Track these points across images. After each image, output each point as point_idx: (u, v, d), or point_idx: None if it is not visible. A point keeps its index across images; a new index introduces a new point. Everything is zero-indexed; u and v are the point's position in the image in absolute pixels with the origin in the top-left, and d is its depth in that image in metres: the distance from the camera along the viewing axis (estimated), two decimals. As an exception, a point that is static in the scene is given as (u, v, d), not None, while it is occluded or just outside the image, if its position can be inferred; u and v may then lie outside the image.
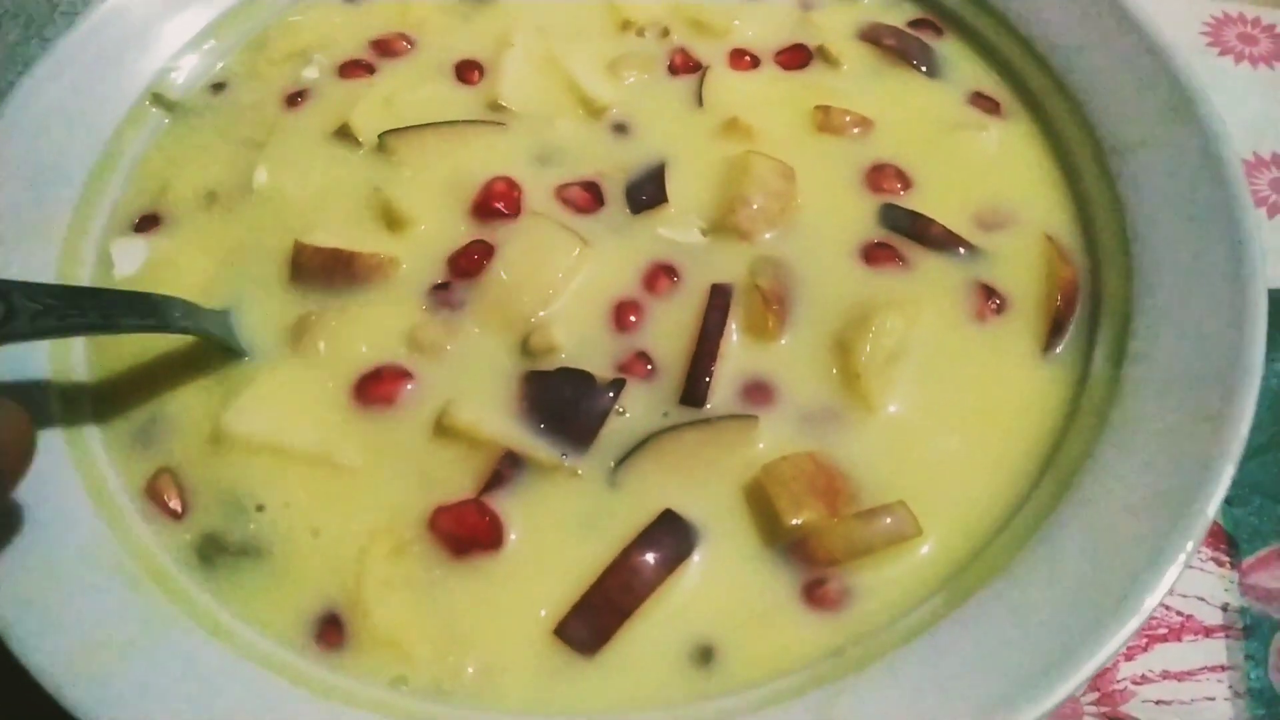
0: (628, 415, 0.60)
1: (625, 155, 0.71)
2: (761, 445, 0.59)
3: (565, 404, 0.59)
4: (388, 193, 0.70)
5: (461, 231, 0.68)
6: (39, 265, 0.67)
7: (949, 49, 0.78)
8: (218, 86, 0.80)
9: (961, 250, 0.66)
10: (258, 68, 0.81)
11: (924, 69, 0.76)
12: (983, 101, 0.75)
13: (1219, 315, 0.57)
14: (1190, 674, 0.62)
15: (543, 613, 0.54)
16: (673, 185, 0.69)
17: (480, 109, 0.75)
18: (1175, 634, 0.63)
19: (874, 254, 0.66)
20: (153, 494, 0.60)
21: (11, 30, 0.97)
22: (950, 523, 0.56)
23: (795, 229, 0.67)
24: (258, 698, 0.52)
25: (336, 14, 0.83)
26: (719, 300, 0.63)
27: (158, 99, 0.78)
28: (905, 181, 0.70)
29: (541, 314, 0.63)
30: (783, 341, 0.62)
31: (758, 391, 0.60)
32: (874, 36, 0.78)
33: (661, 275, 0.65)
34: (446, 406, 0.60)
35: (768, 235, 0.67)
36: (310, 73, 0.79)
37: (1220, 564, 0.66)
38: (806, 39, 0.79)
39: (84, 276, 0.69)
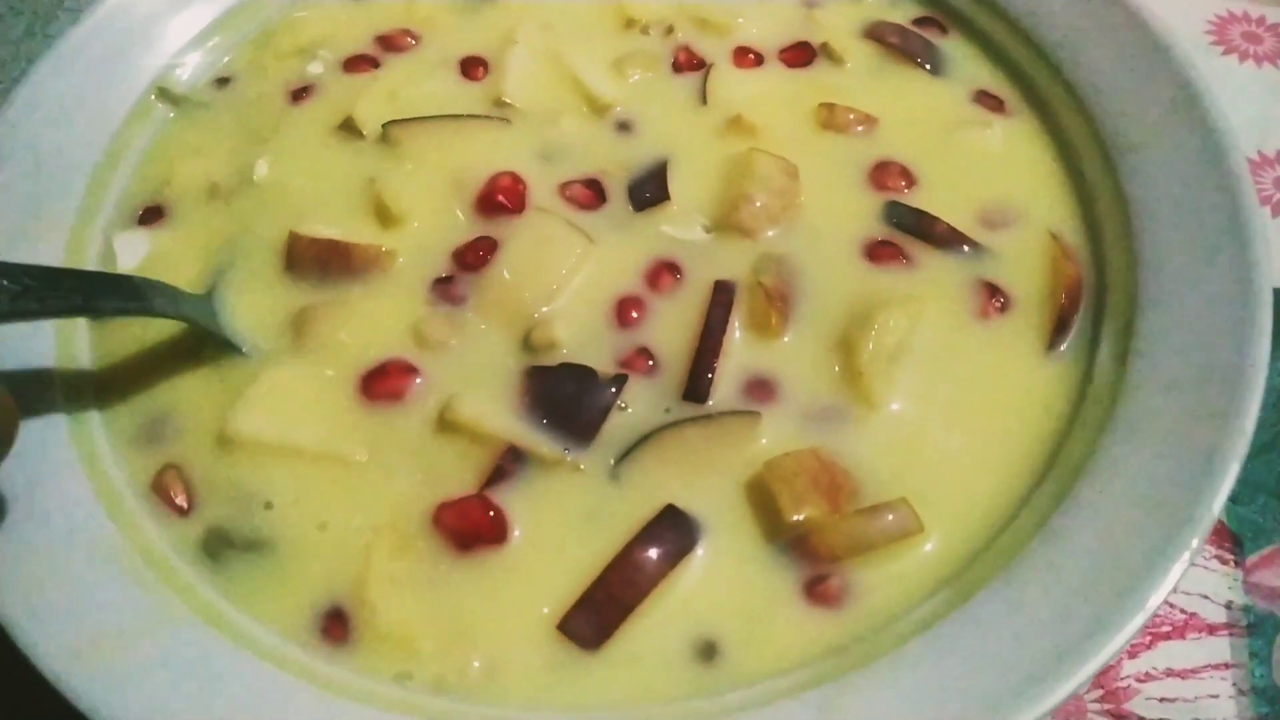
0: (630, 411, 0.60)
1: (628, 153, 0.71)
2: (764, 441, 0.59)
3: (567, 399, 0.59)
4: (385, 184, 0.69)
5: (463, 225, 0.68)
6: (45, 258, 0.67)
7: (953, 47, 0.78)
8: (222, 81, 0.80)
9: (965, 248, 0.66)
10: (263, 63, 0.81)
11: (928, 67, 0.76)
12: (987, 99, 0.75)
13: (1224, 313, 0.57)
14: (1194, 671, 0.61)
15: (546, 609, 0.54)
16: (676, 183, 0.69)
17: (484, 105, 0.75)
18: (1179, 631, 0.63)
19: (877, 252, 0.66)
20: (159, 490, 0.60)
21: (16, 26, 0.97)
22: (953, 520, 0.56)
23: (798, 226, 0.67)
24: (262, 692, 0.52)
25: (341, 10, 0.84)
26: (722, 297, 0.63)
27: (163, 93, 0.78)
28: (909, 179, 0.70)
29: (544, 310, 0.63)
30: (786, 339, 0.62)
31: (760, 388, 0.60)
32: (878, 34, 0.78)
33: (664, 272, 0.65)
34: (449, 401, 0.60)
35: (771, 233, 0.67)
36: (315, 68, 0.79)
37: (1224, 562, 0.66)
38: (810, 37, 0.78)
39: (89, 268, 0.69)
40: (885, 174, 0.70)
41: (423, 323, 0.63)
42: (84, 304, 0.55)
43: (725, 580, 0.55)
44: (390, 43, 0.81)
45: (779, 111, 0.73)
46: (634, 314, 0.63)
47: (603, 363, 0.61)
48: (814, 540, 0.55)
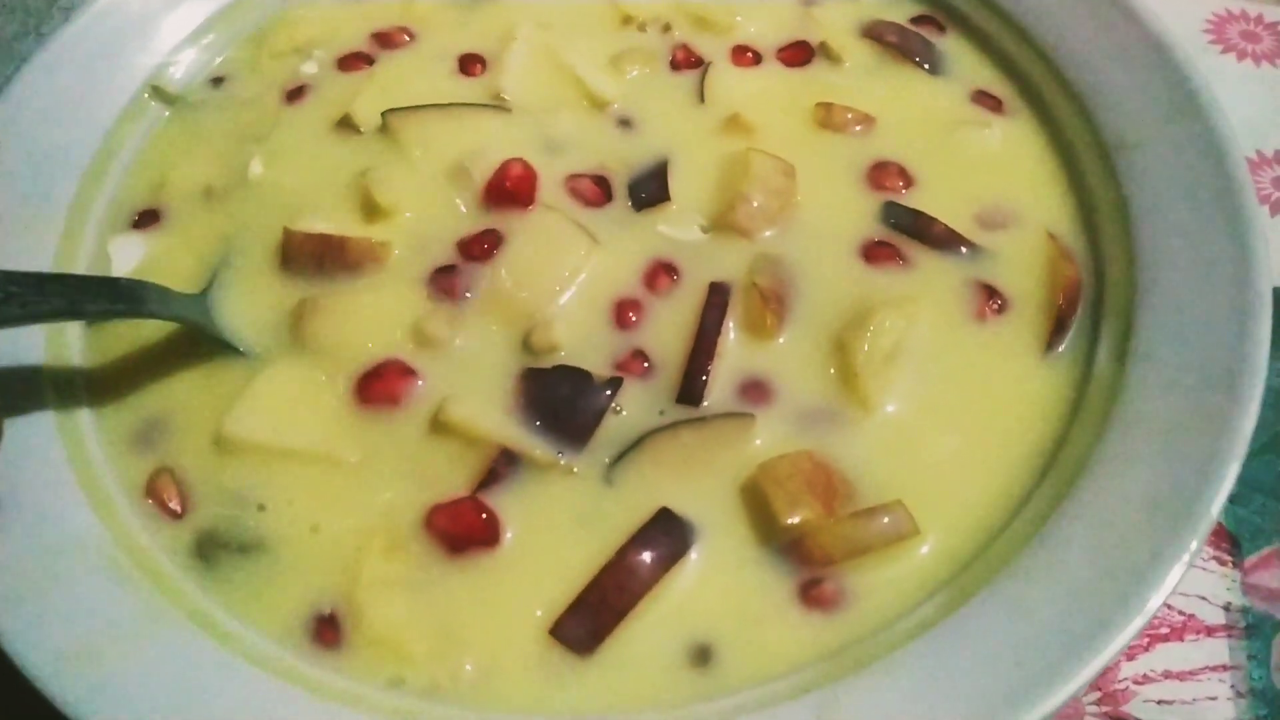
0: (624, 413, 0.59)
1: (629, 149, 0.71)
2: (758, 443, 0.58)
3: (562, 402, 0.59)
4: (374, 176, 0.69)
5: (463, 216, 0.67)
6: (36, 258, 0.67)
7: (951, 46, 0.78)
8: (217, 81, 0.80)
9: (963, 249, 0.65)
10: (258, 62, 0.81)
11: (926, 66, 0.76)
12: (985, 99, 0.74)
13: (1223, 313, 0.56)
14: (1192, 674, 0.61)
15: (539, 612, 0.54)
16: (674, 182, 0.68)
17: (484, 101, 0.74)
18: (1177, 633, 0.63)
19: (874, 252, 0.65)
20: (152, 493, 0.60)
21: (9, 24, 0.97)
22: (950, 523, 0.56)
23: (796, 227, 0.67)
24: (253, 697, 0.51)
25: (337, 8, 0.83)
26: (717, 299, 0.63)
27: (157, 92, 0.78)
28: (907, 179, 0.69)
29: (545, 311, 0.63)
30: (781, 340, 0.62)
31: (755, 390, 0.60)
32: (876, 33, 0.78)
33: (662, 273, 0.65)
34: (443, 403, 0.60)
35: (768, 233, 0.66)
36: (309, 67, 0.79)
37: (1222, 563, 0.65)
38: (808, 35, 0.78)
39: (81, 271, 0.69)
40: (883, 174, 0.69)
41: (423, 320, 0.62)
42: (70, 308, 0.55)
43: (720, 584, 0.55)
44: (387, 40, 0.80)
45: (777, 110, 0.73)
46: (632, 316, 0.63)
47: (598, 365, 0.61)
48: (809, 543, 0.54)
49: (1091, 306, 0.63)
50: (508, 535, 0.57)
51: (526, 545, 0.56)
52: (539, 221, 0.66)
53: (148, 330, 0.65)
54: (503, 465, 0.58)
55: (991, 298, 0.64)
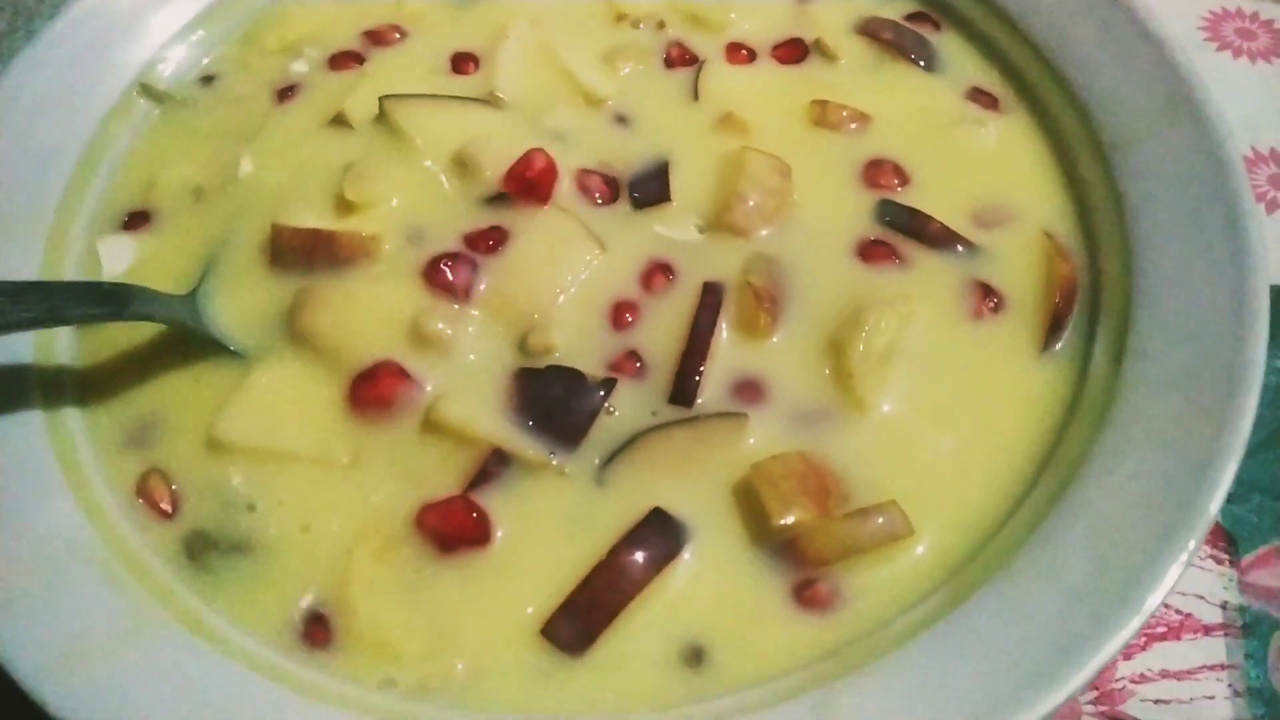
0: (616, 414, 0.59)
1: (626, 147, 0.71)
2: (752, 442, 0.58)
3: (555, 402, 0.59)
4: (360, 169, 0.68)
5: (464, 209, 0.66)
6: (22, 258, 0.67)
7: (947, 43, 0.78)
8: (207, 79, 0.80)
9: (959, 248, 0.65)
10: (248, 60, 0.80)
11: (922, 64, 0.76)
12: (981, 97, 0.74)
13: (1220, 311, 0.56)
14: (1190, 673, 0.61)
15: (530, 612, 0.54)
16: (673, 182, 0.68)
17: (476, 98, 0.74)
18: (1174, 632, 0.63)
19: (870, 251, 0.65)
20: (143, 494, 0.60)
21: (-2, 22, 0.96)
22: (945, 523, 0.56)
23: (791, 226, 0.66)
24: (243, 698, 0.51)
25: (328, 7, 0.83)
26: (710, 299, 0.62)
27: (146, 90, 0.77)
28: (903, 177, 0.69)
29: (544, 311, 0.62)
30: (775, 339, 0.62)
31: (748, 390, 0.60)
32: (871, 31, 0.78)
33: (658, 273, 0.64)
34: (435, 402, 0.59)
35: (764, 232, 0.66)
36: (300, 66, 0.78)
37: (1219, 562, 0.65)
38: (803, 33, 0.78)
39: (69, 273, 0.69)
40: (878, 172, 0.69)
41: (422, 316, 0.61)
42: (51, 315, 0.55)
43: (713, 584, 0.55)
44: (378, 38, 0.80)
45: (771, 108, 0.72)
46: (628, 317, 0.63)
47: (592, 365, 0.61)
48: (802, 544, 0.54)
49: (1088, 305, 0.63)
50: (498, 535, 0.56)
51: (518, 545, 0.56)
52: (550, 223, 0.65)
53: (138, 330, 0.64)
54: (494, 465, 0.58)
55: (988, 296, 0.63)
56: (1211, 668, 0.61)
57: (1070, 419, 0.58)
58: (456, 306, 0.62)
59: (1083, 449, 0.56)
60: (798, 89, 0.74)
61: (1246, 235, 0.58)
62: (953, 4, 0.79)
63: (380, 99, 0.71)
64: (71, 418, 0.62)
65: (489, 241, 0.64)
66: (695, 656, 0.53)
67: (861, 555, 0.54)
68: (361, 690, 0.52)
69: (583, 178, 0.68)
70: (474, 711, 0.52)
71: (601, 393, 0.59)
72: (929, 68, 0.76)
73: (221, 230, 0.68)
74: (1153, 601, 0.48)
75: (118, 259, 0.69)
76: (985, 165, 0.70)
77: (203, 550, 0.57)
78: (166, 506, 0.59)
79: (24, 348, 0.63)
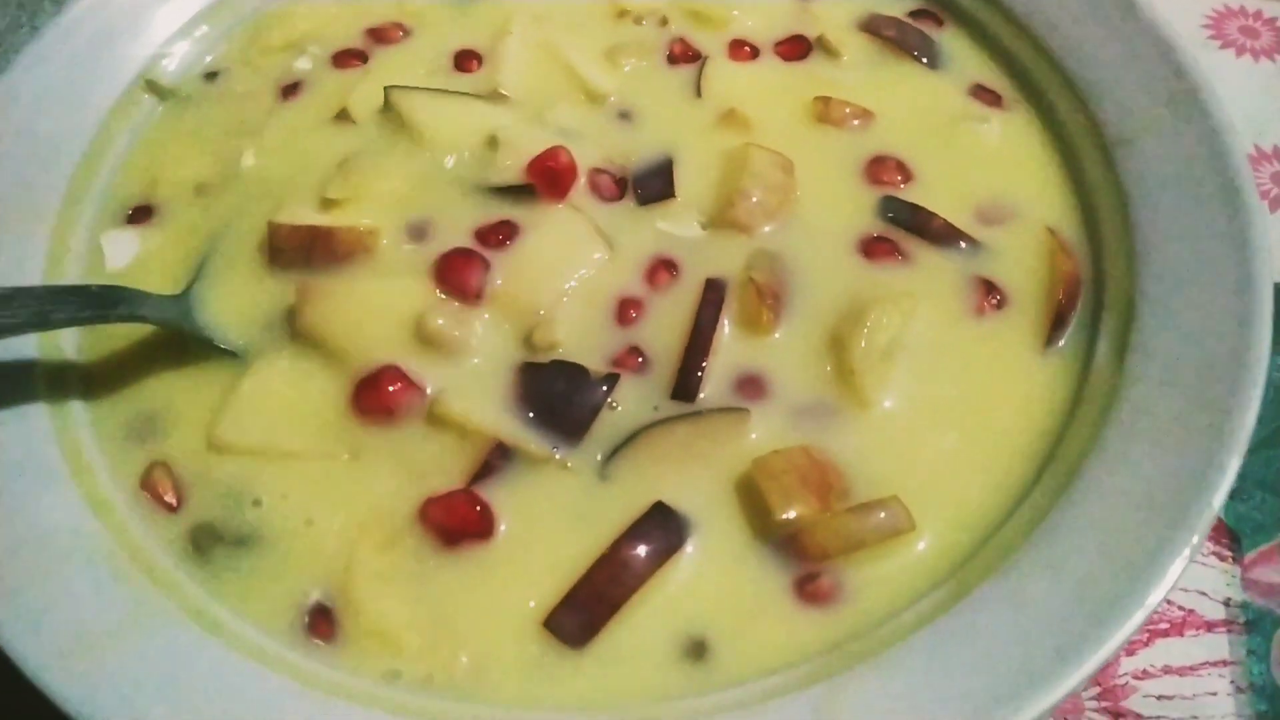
0: (619, 409, 0.59)
1: (629, 144, 0.70)
2: (754, 437, 0.58)
3: (558, 397, 0.59)
4: (357, 163, 0.68)
5: (473, 203, 0.66)
6: (26, 252, 0.67)
7: (950, 40, 0.78)
8: (211, 75, 0.80)
9: (962, 244, 0.65)
10: (251, 57, 0.80)
11: (925, 60, 0.76)
12: (984, 93, 0.74)
13: (1223, 307, 0.56)
14: (1192, 669, 0.61)
15: (532, 604, 0.54)
16: (677, 179, 0.68)
17: (480, 95, 0.74)
18: (1177, 629, 0.63)
19: (873, 248, 0.65)
20: (147, 486, 0.60)
21: (2, 17, 0.96)
22: (947, 518, 0.56)
23: (794, 222, 0.66)
24: (248, 690, 0.51)
25: (331, 4, 0.83)
26: (713, 295, 0.62)
27: (150, 85, 0.78)
28: (906, 174, 0.69)
29: (550, 307, 0.62)
30: (777, 335, 0.62)
31: (751, 385, 0.60)
32: (874, 27, 0.78)
33: (661, 269, 0.64)
34: (438, 396, 0.59)
35: (766, 229, 0.66)
36: (303, 63, 0.78)
37: (1222, 559, 0.65)
38: (806, 30, 0.78)
39: (73, 267, 0.69)
40: (881, 169, 0.69)
41: (428, 315, 0.60)
42: (37, 320, 0.54)
43: (715, 578, 0.55)
44: (381, 36, 0.80)
45: (774, 105, 0.72)
46: (632, 313, 0.63)
47: (595, 360, 0.61)
48: (804, 538, 0.54)
49: (1091, 301, 0.63)
50: (501, 528, 0.56)
51: (520, 538, 0.56)
52: (563, 220, 0.65)
53: (141, 326, 0.64)
54: (497, 459, 0.58)
55: (990, 293, 0.63)
56: (1214, 664, 0.61)
57: (1073, 415, 0.58)
58: (466, 307, 0.62)
59: (1085, 445, 0.56)
60: (800, 86, 0.74)
61: (1250, 232, 0.58)
62: (955, 1, 0.79)
63: (386, 88, 0.71)
64: (76, 411, 0.62)
65: (499, 236, 0.64)
66: (697, 650, 0.53)
67: (863, 550, 0.54)
68: (365, 682, 0.53)
69: (593, 175, 0.68)
70: (477, 703, 0.52)
71: (604, 388, 0.59)
72: (932, 64, 0.76)
73: (222, 227, 0.68)
74: (1155, 597, 0.48)
75: (121, 253, 0.70)
76: (988, 162, 0.70)
77: (208, 543, 0.57)
78: (171, 499, 0.59)
79: (29, 342, 0.63)
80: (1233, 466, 0.51)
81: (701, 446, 0.57)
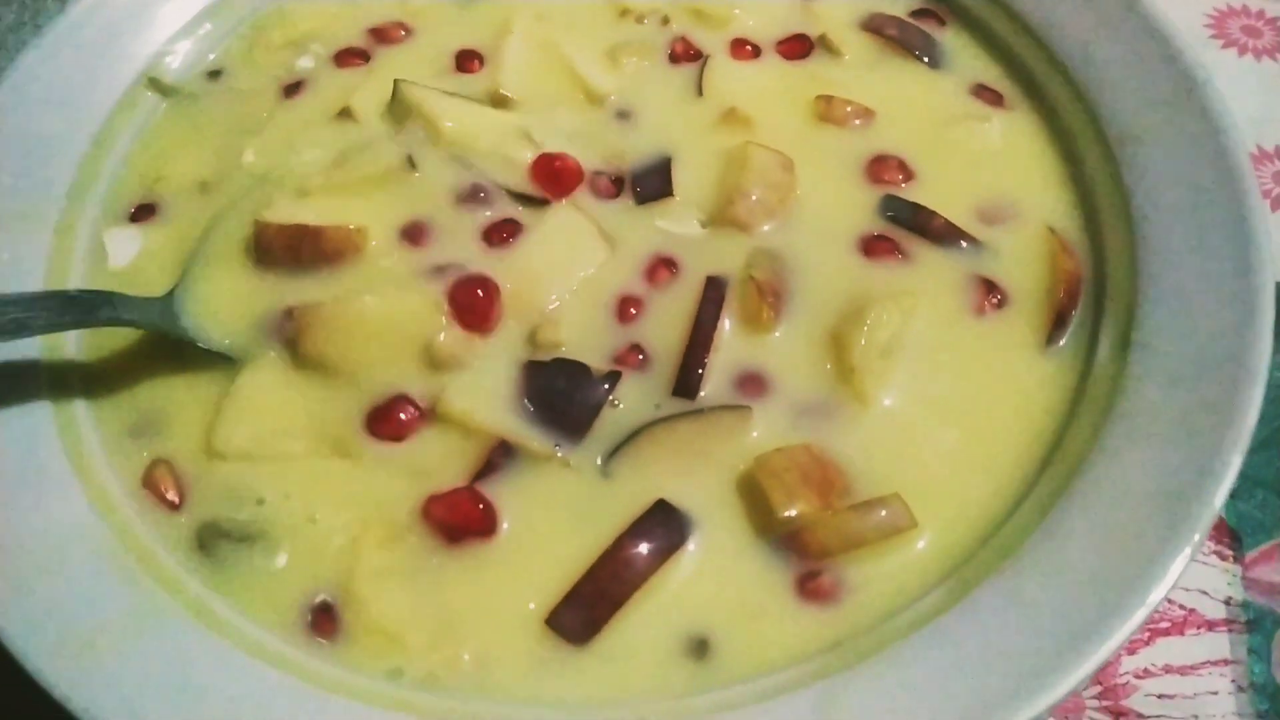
0: (621, 406, 0.59)
1: (627, 143, 0.71)
2: (755, 435, 0.58)
3: (560, 395, 0.59)
4: (358, 156, 0.68)
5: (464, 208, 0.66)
6: (30, 249, 0.67)
7: (951, 39, 0.78)
8: (214, 74, 0.80)
9: (963, 243, 0.65)
10: (254, 55, 0.80)
11: (926, 60, 0.76)
12: (986, 93, 0.74)
13: (1225, 306, 0.56)
14: (1193, 668, 0.61)
15: (534, 603, 0.54)
16: (675, 177, 0.68)
17: (482, 97, 0.74)
18: (1178, 628, 0.63)
19: (873, 247, 0.65)
20: (149, 484, 0.60)
21: (6, 15, 0.97)
22: (948, 516, 0.56)
23: (794, 220, 0.66)
24: (251, 688, 0.51)
25: (333, 4, 0.83)
26: (713, 293, 0.62)
27: (153, 83, 0.78)
28: (907, 173, 0.69)
29: (552, 307, 0.62)
30: (777, 334, 0.62)
31: (751, 383, 0.60)
32: (876, 26, 0.78)
33: (662, 267, 0.64)
34: (442, 395, 0.59)
35: (767, 227, 0.66)
36: (305, 62, 0.78)
37: (1223, 558, 0.65)
38: (808, 29, 0.78)
39: (75, 265, 0.69)
40: (882, 168, 0.69)
41: (439, 343, 0.59)
42: (15, 326, 0.54)
43: (716, 576, 0.55)
44: (383, 35, 0.80)
45: (776, 104, 0.72)
46: (633, 311, 0.63)
47: (597, 358, 0.61)
48: (806, 536, 0.54)
49: (1092, 301, 0.63)
50: (504, 526, 0.56)
51: (523, 536, 0.56)
52: (564, 219, 0.65)
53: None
54: (499, 456, 0.58)
55: (991, 292, 0.63)
56: (1215, 663, 0.61)
57: (1074, 414, 0.58)
58: (478, 336, 0.61)
59: (1086, 443, 0.56)
60: (802, 85, 0.74)
61: (1251, 231, 0.58)
62: (958, 0, 0.79)
63: (396, 81, 0.70)
64: (78, 410, 0.62)
65: (502, 234, 0.64)
66: (699, 648, 0.53)
67: (865, 548, 0.54)
68: (369, 680, 0.53)
69: (592, 176, 0.68)
70: (479, 701, 0.52)
71: (606, 386, 0.59)
72: (933, 64, 0.76)
73: (211, 226, 0.68)
74: (1156, 595, 0.48)
75: (123, 251, 0.70)
76: (989, 161, 0.70)
77: (210, 540, 0.57)
78: (172, 497, 0.59)
79: (32, 343, 0.63)
80: (1234, 464, 0.51)
81: (703, 444, 0.57)
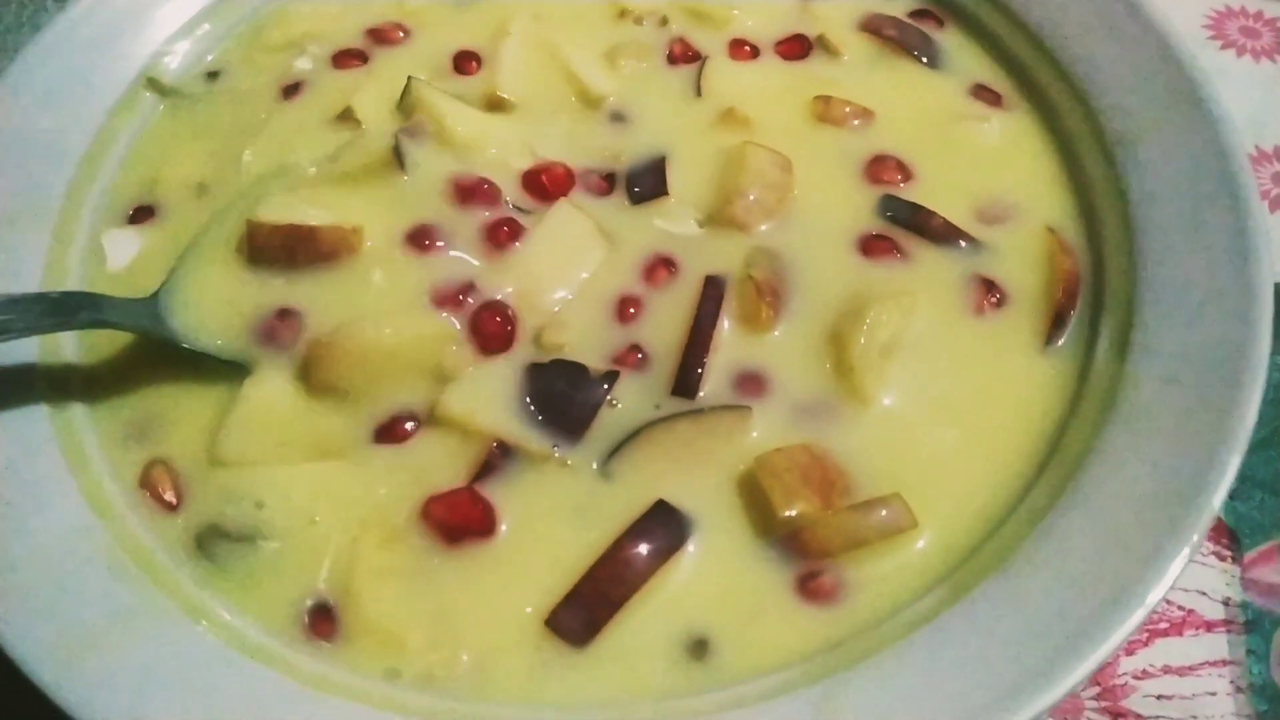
0: (620, 406, 0.59)
1: (625, 143, 0.71)
2: (755, 435, 0.58)
3: (558, 395, 0.59)
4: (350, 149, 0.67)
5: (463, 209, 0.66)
6: (28, 251, 0.67)
7: (950, 40, 0.78)
8: (213, 74, 0.80)
9: (962, 243, 0.65)
10: (252, 56, 0.80)
11: (925, 60, 0.76)
12: (984, 93, 0.74)
13: (1223, 306, 0.56)
14: (1191, 669, 0.61)
15: (532, 605, 0.54)
16: (671, 176, 0.68)
17: (479, 99, 0.74)
18: (1176, 628, 0.63)
19: (872, 246, 0.65)
20: (147, 485, 0.60)
21: (4, 15, 0.97)
22: (948, 516, 0.56)
23: (793, 220, 0.66)
24: (249, 690, 0.51)
25: (331, 4, 0.83)
26: (712, 292, 0.62)
27: (152, 84, 0.78)
28: (905, 173, 0.69)
29: (557, 309, 0.63)
30: (776, 333, 0.62)
31: (751, 383, 0.60)
32: (875, 27, 0.78)
33: (660, 267, 0.65)
34: (441, 397, 0.59)
35: (765, 227, 0.66)
36: (304, 63, 0.78)
37: (1222, 558, 0.65)
38: (807, 29, 0.78)
39: (74, 266, 0.69)
40: (881, 168, 0.69)
41: (450, 360, 0.59)
42: None
43: (716, 576, 0.55)
44: (381, 36, 0.80)
45: (774, 104, 0.72)
46: (632, 310, 0.63)
47: (596, 358, 0.61)
48: (806, 536, 0.54)
49: (1091, 300, 0.63)
50: (503, 527, 0.56)
51: (522, 536, 0.56)
52: (564, 219, 0.65)
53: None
54: (498, 457, 0.58)
55: (990, 292, 0.63)
56: (1213, 664, 0.61)
57: (1073, 414, 0.58)
58: (496, 356, 0.61)
59: (1085, 443, 0.56)
60: (801, 85, 0.74)
61: (1250, 232, 0.58)
62: (956, 1, 0.79)
63: (410, 77, 0.71)
64: (76, 412, 0.62)
65: (502, 234, 0.64)
66: (699, 648, 0.53)
67: (865, 547, 0.54)
68: (367, 681, 0.52)
69: (587, 175, 0.68)
70: (478, 702, 0.52)
71: (604, 385, 0.59)
72: (932, 64, 0.76)
73: (202, 225, 0.67)
74: (1155, 596, 0.48)
75: (122, 252, 0.69)
76: (988, 161, 0.70)
77: (208, 541, 0.57)
78: (170, 498, 0.59)
79: (30, 345, 0.63)
80: (1232, 466, 0.51)
81: (703, 444, 0.57)
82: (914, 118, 0.72)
